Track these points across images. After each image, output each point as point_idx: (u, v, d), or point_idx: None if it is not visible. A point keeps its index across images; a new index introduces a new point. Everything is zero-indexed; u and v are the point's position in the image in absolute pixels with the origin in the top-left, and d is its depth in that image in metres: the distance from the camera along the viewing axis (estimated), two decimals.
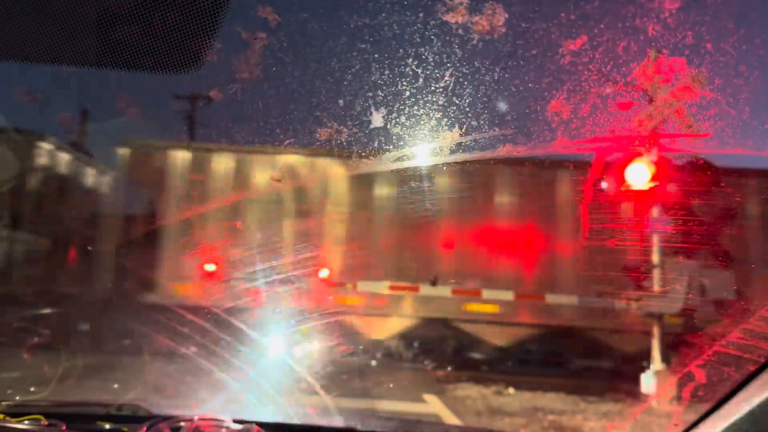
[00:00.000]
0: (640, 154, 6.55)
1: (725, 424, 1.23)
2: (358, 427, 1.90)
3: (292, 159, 10.30)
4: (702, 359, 1.49)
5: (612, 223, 9.47)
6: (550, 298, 10.17)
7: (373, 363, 10.69)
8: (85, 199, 12.16)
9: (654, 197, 7.57)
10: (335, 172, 10.73)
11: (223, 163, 10.55)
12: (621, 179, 7.09)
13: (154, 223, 10.53)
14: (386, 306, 10.54)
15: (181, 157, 10.63)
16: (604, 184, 7.56)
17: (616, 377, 9.51)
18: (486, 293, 10.31)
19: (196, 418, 1.70)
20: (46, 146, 11.19)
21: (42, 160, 11.16)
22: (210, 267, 10.14)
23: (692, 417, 1.40)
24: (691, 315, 8.00)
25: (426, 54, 3.24)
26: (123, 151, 10.63)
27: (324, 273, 10.49)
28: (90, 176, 12.17)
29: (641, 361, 8.36)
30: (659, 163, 6.97)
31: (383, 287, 10.43)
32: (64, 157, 11.80)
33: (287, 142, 3.59)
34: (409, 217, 9.84)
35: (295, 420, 1.97)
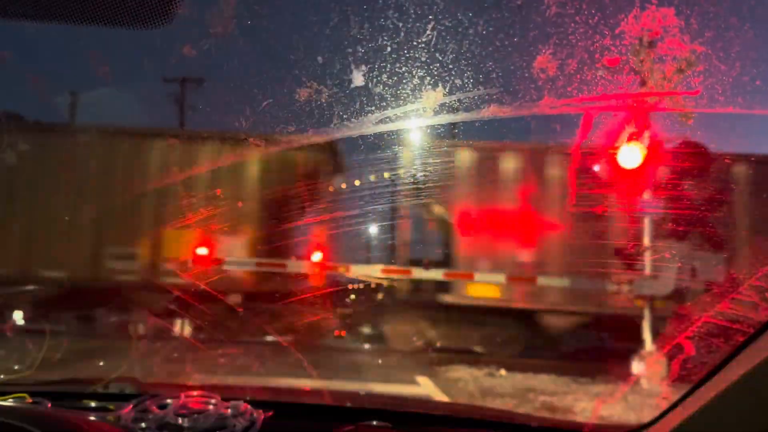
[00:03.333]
0: (629, 120, 6.48)
1: (714, 395, 1.23)
2: (348, 404, 1.89)
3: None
4: (691, 331, 1.49)
5: (600, 201, 9.46)
6: (542, 281, 10.20)
7: (366, 345, 10.73)
8: None
9: (645, 179, 7.57)
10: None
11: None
12: (612, 160, 7.07)
13: None
14: (379, 290, 10.58)
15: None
16: (594, 166, 7.53)
17: (607, 358, 9.59)
18: (478, 276, 10.33)
19: (183, 395, 1.69)
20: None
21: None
22: (201, 250, 10.12)
23: (681, 391, 1.40)
24: (682, 295, 8.06)
25: (406, 5, 3.13)
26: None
27: (317, 256, 10.49)
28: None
29: (632, 342, 8.43)
30: (651, 145, 6.96)
31: (376, 271, 10.44)
32: None
33: (265, 103, 3.50)
34: (396, 195, 9.81)
35: (284, 398, 1.96)
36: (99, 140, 10.95)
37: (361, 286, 11.00)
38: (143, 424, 1.54)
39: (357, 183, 9.70)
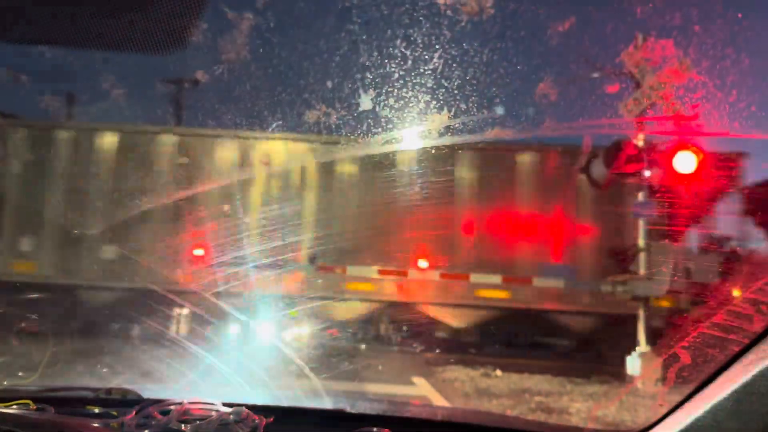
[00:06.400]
0: (628, 141, 6.55)
1: (709, 404, 1.25)
2: (348, 409, 1.91)
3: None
4: (687, 341, 1.52)
5: (599, 208, 9.53)
6: (538, 282, 10.24)
7: (363, 347, 10.74)
8: None
9: (642, 182, 7.61)
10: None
11: None
12: (613, 165, 7.12)
13: None
14: (375, 291, 10.58)
15: None
16: (594, 170, 7.57)
17: (602, 359, 9.63)
18: (474, 278, 10.36)
19: (185, 401, 1.70)
20: None
21: None
22: (198, 251, 10.11)
23: (677, 398, 1.43)
24: (677, 298, 8.12)
25: (415, 35, 3.17)
26: None
27: (313, 257, 10.49)
28: None
29: (627, 343, 8.47)
30: (648, 149, 7.01)
31: (372, 272, 10.45)
32: None
33: (275, 124, 3.52)
34: (396, 201, 9.85)
35: (285, 402, 1.97)
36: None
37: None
38: (147, 431, 1.55)
39: None
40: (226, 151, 10.82)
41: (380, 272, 10.45)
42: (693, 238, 7.81)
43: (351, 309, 10.69)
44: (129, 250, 10.48)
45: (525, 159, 10.64)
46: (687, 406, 1.37)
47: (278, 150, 10.84)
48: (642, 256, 8.40)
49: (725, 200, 8.16)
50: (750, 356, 1.20)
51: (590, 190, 9.31)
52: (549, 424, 2.31)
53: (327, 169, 10.87)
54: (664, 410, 1.48)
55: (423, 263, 10.50)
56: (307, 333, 10.07)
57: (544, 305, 10.41)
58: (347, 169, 10.80)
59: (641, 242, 8.39)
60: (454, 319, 10.76)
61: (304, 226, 10.59)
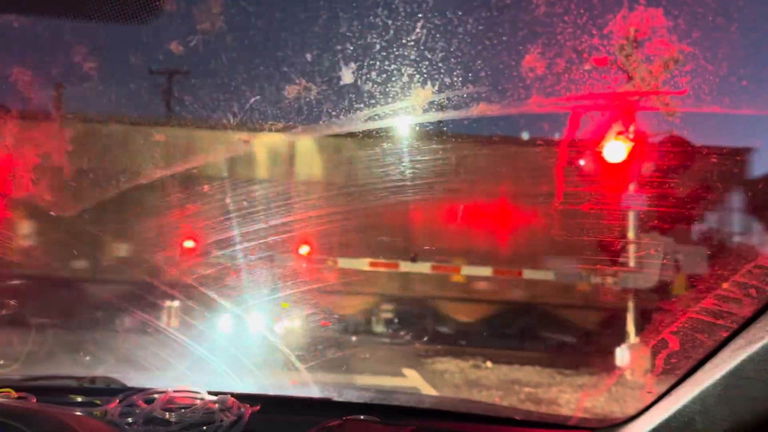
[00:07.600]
0: (616, 119, 6.50)
1: (697, 390, 1.25)
2: (335, 397, 1.89)
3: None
4: (676, 326, 1.51)
5: (587, 197, 9.50)
6: (528, 274, 10.26)
7: (354, 338, 10.74)
8: None
9: (630, 173, 7.61)
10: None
11: None
12: (597, 154, 7.09)
13: None
14: (367, 282, 10.57)
15: None
16: (579, 160, 7.54)
17: (591, 351, 9.69)
18: (465, 270, 10.37)
19: (170, 389, 1.68)
20: None
21: None
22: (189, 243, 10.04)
23: (665, 385, 1.42)
24: (666, 288, 8.15)
25: (396, 3, 3.10)
26: None
27: (304, 249, 10.45)
28: None
29: (616, 334, 8.52)
30: (636, 140, 7.00)
31: (364, 264, 10.43)
32: None
33: (253, 99, 3.43)
34: (385, 190, 9.81)
35: (271, 391, 1.96)
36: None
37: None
38: (130, 419, 1.53)
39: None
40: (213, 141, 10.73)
41: (371, 265, 10.44)
42: (682, 227, 7.82)
43: (342, 300, 10.67)
44: (117, 241, 10.42)
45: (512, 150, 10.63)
46: (675, 392, 1.37)
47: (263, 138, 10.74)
48: (631, 247, 8.43)
49: (716, 190, 8.18)
50: (739, 341, 1.19)
51: (580, 182, 9.31)
52: (537, 413, 2.31)
53: (318, 155, 10.81)
54: (652, 398, 1.47)
55: (414, 256, 10.50)
56: (295, 323, 10.05)
57: (534, 297, 10.46)
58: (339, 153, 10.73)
59: (631, 234, 8.42)
60: (445, 311, 10.78)
61: (295, 214, 10.54)
